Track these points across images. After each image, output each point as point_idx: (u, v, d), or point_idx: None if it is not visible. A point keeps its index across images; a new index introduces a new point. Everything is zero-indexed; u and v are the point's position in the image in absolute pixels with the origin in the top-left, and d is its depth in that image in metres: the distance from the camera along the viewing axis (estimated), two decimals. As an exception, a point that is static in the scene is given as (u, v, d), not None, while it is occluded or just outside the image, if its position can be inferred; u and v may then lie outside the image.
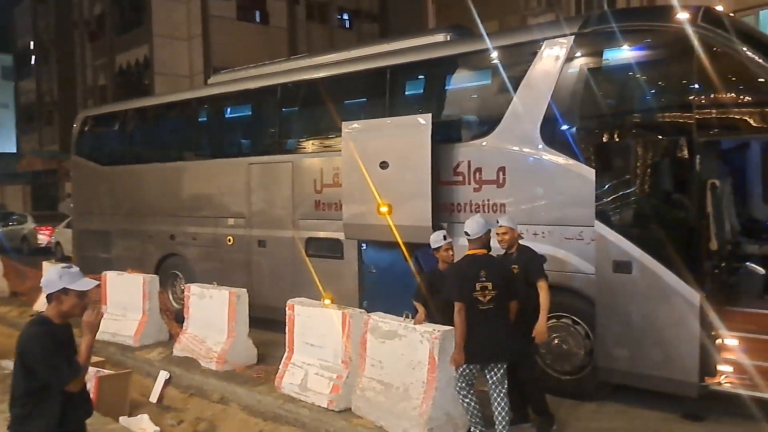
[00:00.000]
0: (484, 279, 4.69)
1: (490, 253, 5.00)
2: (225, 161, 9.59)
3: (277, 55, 23.67)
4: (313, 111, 8.94)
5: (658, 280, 5.35)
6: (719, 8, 5.95)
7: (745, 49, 5.20)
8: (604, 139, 5.95)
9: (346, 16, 32.59)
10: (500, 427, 4.69)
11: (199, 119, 10.60)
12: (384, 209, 7.01)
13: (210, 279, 8.10)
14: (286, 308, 6.41)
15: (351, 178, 7.38)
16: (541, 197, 6.23)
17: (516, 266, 5.16)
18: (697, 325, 5.17)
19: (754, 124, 5.25)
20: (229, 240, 9.22)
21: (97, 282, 9.71)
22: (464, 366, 4.78)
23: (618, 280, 5.54)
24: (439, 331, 5.05)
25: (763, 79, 5.12)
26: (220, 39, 26.59)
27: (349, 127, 7.44)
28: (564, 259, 5.96)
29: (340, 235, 7.71)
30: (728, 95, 5.28)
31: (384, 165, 7.02)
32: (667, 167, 5.62)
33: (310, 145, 8.62)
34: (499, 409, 4.70)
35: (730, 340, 5.37)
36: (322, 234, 8.15)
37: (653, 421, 5.46)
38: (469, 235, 4.87)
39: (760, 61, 5.12)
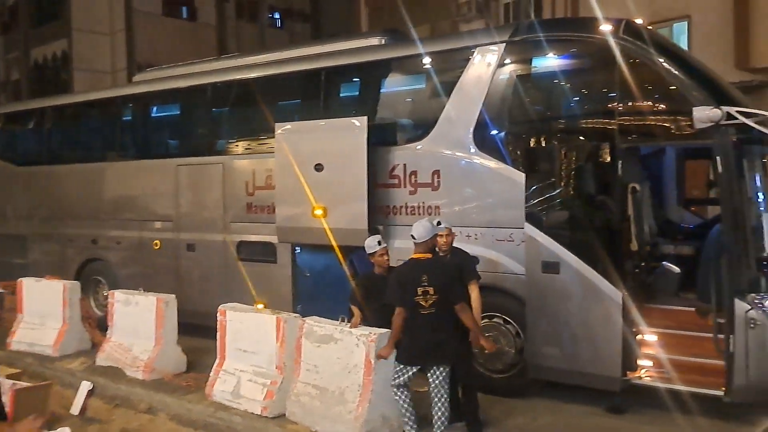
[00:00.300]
0: (425, 284, 4.70)
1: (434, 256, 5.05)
2: (151, 162, 9.26)
3: (205, 52, 23.07)
4: (245, 112, 8.77)
5: (582, 279, 5.58)
6: (639, 21, 6.26)
7: (662, 60, 5.50)
8: (533, 144, 6.15)
9: (277, 15, 32.15)
10: (436, 430, 4.74)
11: (124, 118, 10.18)
12: (319, 212, 6.97)
13: (135, 284, 7.79)
14: (218, 314, 6.26)
15: (285, 180, 7.29)
16: (473, 200, 6.36)
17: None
18: (620, 322, 5.42)
19: (669, 132, 5.56)
20: (156, 244, 8.91)
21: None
22: (402, 367, 4.82)
23: (546, 280, 5.74)
24: (375, 334, 5.06)
25: (677, 89, 5.42)
26: (144, 35, 25.63)
27: (282, 129, 7.34)
28: (495, 260, 6.11)
29: (273, 239, 7.60)
30: (646, 104, 5.58)
31: (319, 167, 6.98)
32: (590, 171, 5.87)
33: (241, 146, 8.45)
34: (439, 412, 4.75)
35: (649, 336, 5.67)
36: (254, 237, 8.01)
37: (579, 416, 5.67)
38: (414, 238, 4.89)
39: (675, 72, 5.44)
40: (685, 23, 14.59)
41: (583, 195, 5.92)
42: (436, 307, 4.72)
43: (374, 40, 7.57)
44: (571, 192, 5.87)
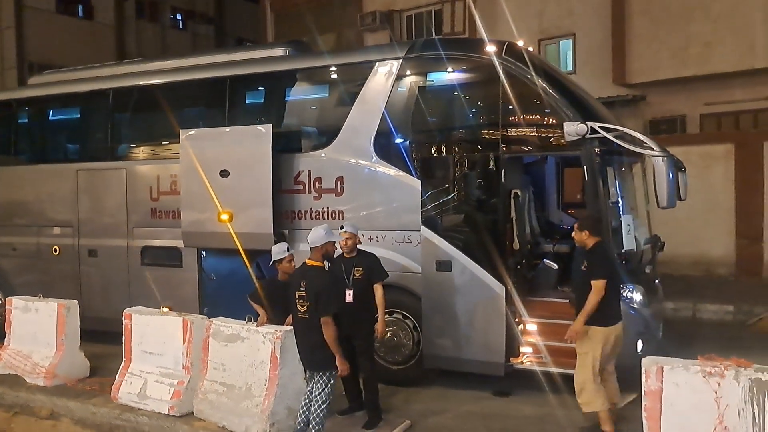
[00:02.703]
0: (303, 289, 4.87)
1: (329, 261, 5.29)
2: (49, 167, 9.04)
3: (103, 53, 22.25)
4: (148, 117, 8.77)
5: (471, 276, 6.17)
6: (520, 43, 6.93)
7: (538, 79, 6.16)
8: (427, 153, 6.65)
9: (179, 17, 31.37)
10: None
11: (20, 121, 9.84)
12: (225, 217, 7.14)
13: (32, 292, 7.58)
14: (123, 318, 6.30)
15: (190, 185, 7.40)
16: (375, 205, 6.78)
17: (360, 269, 5.58)
18: (503, 313, 6.02)
19: (547, 143, 6.25)
20: (55, 250, 8.71)
21: None
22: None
23: (440, 278, 6.26)
24: (280, 331, 5.34)
25: (551, 105, 6.09)
26: (36, 32, 24.30)
27: (187, 135, 7.46)
28: (395, 260, 6.55)
29: (179, 244, 7.69)
30: (526, 118, 6.22)
31: (224, 173, 7.16)
32: (478, 178, 6.46)
33: (145, 151, 8.45)
34: (313, 422, 4.87)
35: (531, 325, 6.32)
36: (159, 242, 8.04)
37: (470, 400, 6.22)
38: (309, 243, 5.08)
39: (550, 90, 6.12)
40: (570, 41, 15.82)
41: (472, 200, 6.52)
42: (309, 314, 4.83)
43: (279, 51, 7.84)
44: (461, 197, 6.45)
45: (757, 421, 3.79)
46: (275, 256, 5.72)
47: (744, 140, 12.53)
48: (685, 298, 10.17)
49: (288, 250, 5.76)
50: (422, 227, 6.33)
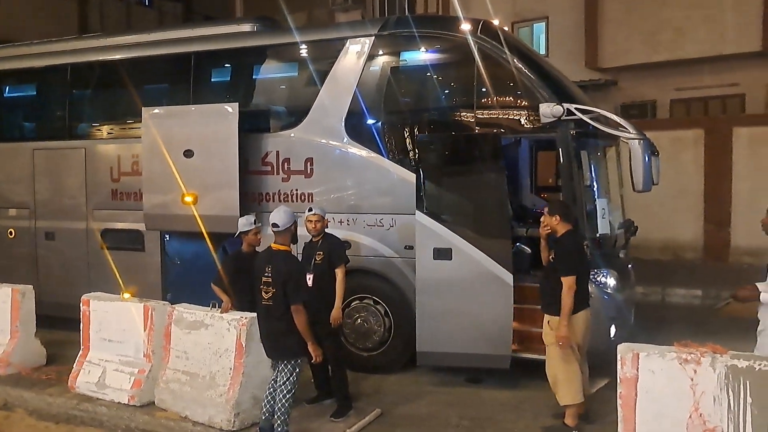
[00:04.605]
0: (268, 275, 4.64)
1: (295, 243, 5.06)
2: (4, 146, 8.61)
3: (65, 30, 21.46)
4: (109, 94, 8.41)
5: (476, 264, 5.73)
6: (496, 22, 6.76)
7: (513, 59, 6.01)
8: (402, 134, 6.46)
9: (145, -7, 30.41)
10: (276, 425, 4.71)
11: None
12: (189, 199, 6.87)
13: (-15, 276, 7.26)
14: (81, 304, 6.03)
15: (152, 166, 7.11)
16: (346, 187, 6.58)
17: (321, 253, 5.41)
18: (511, 303, 5.67)
19: (521, 125, 6.09)
20: (11, 233, 8.33)
21: None
22: None
23: (438, 267, 5.82)
24: (246, 318, 5.14)
25: (527, 86, 5.95)
26: (-5, 7, 23.33)
27: (150, 113, 7.14)
28: (366, 244, 6.39)
29: (141, 226, 7.40)
30: (500, 98, 6.06)
31: (189, 153, 6.88)
32: (453, 160, 6.28)
33: (105, 130, 8.10)
34: (278, 412, 4.68)
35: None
36: (120, 225, 7.75)
37: (441, 386, 6.12)
38: (276, 226, 4.80)
39: (525, 70, 5.97)
40: (544, 24, 15.74)
41: (447, 183, 6.31)
42: (273, 301, 4.62)
43: (246, 27, 7.54)
44: (440, 180, 6.19)
45: (732, 407, 3.74)
46: (242, 228, 5.55)
47: (713, 126, 12.63)
48: (655, 282, 10.24)
49: (255, 223, 5.57)
50: (417, 212, 5.93)
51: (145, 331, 5.69)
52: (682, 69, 14.22)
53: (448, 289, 5.83)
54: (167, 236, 7.52)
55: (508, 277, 5.69)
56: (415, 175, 6.10)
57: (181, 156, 6.89)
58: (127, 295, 6.07)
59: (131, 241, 7.61)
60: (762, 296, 4.20)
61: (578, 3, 15.13)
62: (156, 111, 7.19)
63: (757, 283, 4.27)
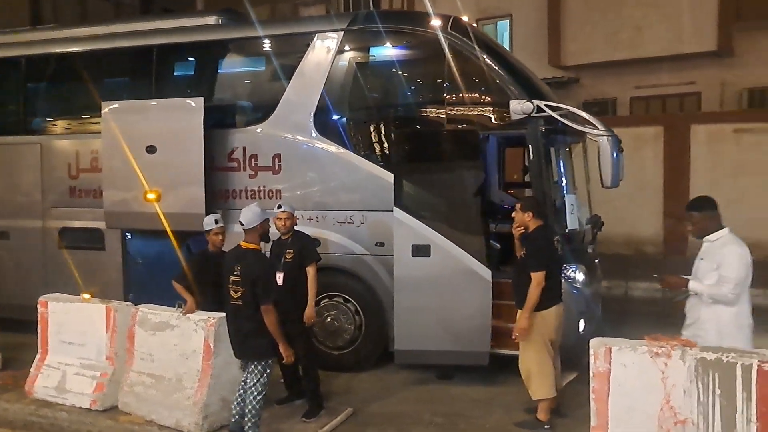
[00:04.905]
0: (237, 274, 4.53)
1: (266, 242, 4.97)
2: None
3: (16, 21, 20.68)
4: (67, 88, 8.11)
5: (455, 261, 5.72)
6: (465, 18, 6.75)
7: (483, 56, 6.00)
8: (372, 130, 6.40)
9: (101, -15, 29.54)
10: (247, 428, 4.62)
11: None
12: (152, 196, 6.67)
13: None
14: (38, 305, 5.79)
15: (113, 162, 6.87)
16: (314, 184, 6.48)
17: (291, 251, 5.31)
18: (490, 298, 5.67)
19: (492, 122, 6.09)
20: (-40, 232, 7.96)
21: None
22: None
23: (417, 264, 5.80)
24: (214, 318, 5.01)
25: (496, 83, 5.95)
26: (-60, -3, 22.33)
27: (110, 108, 6.90)
28: (336, 241, 6.30)
29: (101, 225, 7.17)
30: (470, 95, 6.06)
31: (151, 149, 6.67)
32: (431, 157, 6.25)
33: (63, 125, 7.81)
34: (249, 415, 4.58)
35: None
36: (79, 223, 7.49)
37: (412, 384, 6.09)
38: (243, 225, 4.69)
39: (495, 67, 5.97)
40: (508, 22, 15.87)
41: (422, 180, 6.24)
42: (242, 300, 4.52)
43: (210, 20, 7.34)
44: (412, 177, 6.13)
45: (701, 399, 3.80)
46: (205, 226, 5.47)
47: (673, 123, 12.92)
48: (618, 276, 10.43)
49: (217, 222, 5.46)
50: (395, 209, 5.88)
51: (107, 332, 5.50)
52: (641, 67, 14.53)
53: (426, 287, 5.79)
54: (129, 235, 7.30)
55: (487, 273, 5.69)
56: (388, 171, 6.05)
57: (143, 152, 6.68)
58: (86, 296, 5.87)
59: (91, 240, 7.36)
60: (690, 284, 4.27)
61: (542, 1, 15.30)
62: (116, 106, 6.95)
63: (683, 276, 4.36)
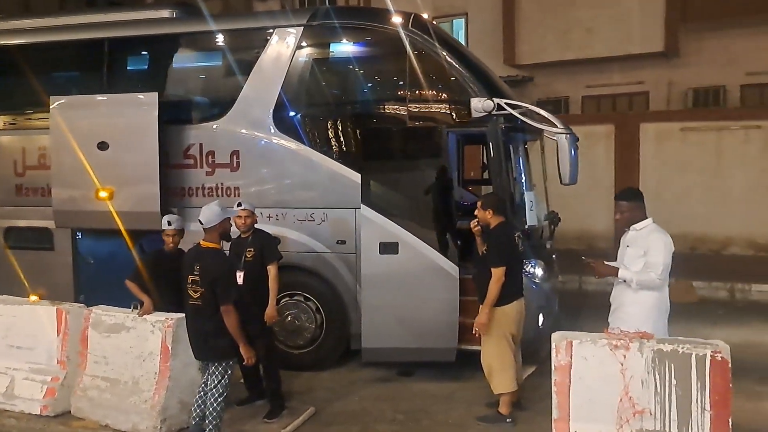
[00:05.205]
0: (196, 274, 4.42)
1: (227, 241, 4.89)
2: None
3: (-47, 10, 19.72)
4: (11, 82, 7.74)
5: (423, 258, 5.72)
6: (425, 16, 6.76)
7: (444, 53, 6.02)
8: (332, 127, 6.34)
9: (45, -24, 28.46)
10: (208, 430, 4.51)
11: None
12: (104, 194, 6.45)
13: None
14: (-17, 309, 5.54)
15: (62, 159, 6.62)
16: (274, 181, 6.40)
17: (251, 249, 5.22)
18: (457, 295, 5.69)
19: (452, 119, 6.11)
20: None
21: None
22: None
23: (385, 262, 5.77)
24: (172, 319, 4.89)
25: (457, 81, 5.98)
26: None
27: (58, 103, 6.64)
28: (296, 239, 6.23)
29: (50, 224, 6.90)
30: (430, 92, 6.07)
31: (103, 146, 6.45)
32: (398, 154, 6.28)
33: (8, 121, 7.47)
34: (210, 417, 4.48)
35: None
36: (25, 223, 7.21)
37: (373, 381, 6.08)
38: (202, 224, 4.56)
39: (456, 65, 6.00)
40: (463, 20, 16.01)
41: (389, 178, 6.22)
42: (202, 301, 4.42)
43: (164, 13, 7.14)
44: (375, 173, 6.08)
45: (658, 389, 3.93)
46: (162, 226, 5.35)
47: (623, 121, 13.29)
48: (572, 271, 10.65)
49: (170, 224, 5.31)
50: (362, 206, 5.82)
51: (58, 336, 5.31)
52: (592, 67, 14.89)
53: (394, 284, 5.77)
54: (79, 234, 7.05)
55: (454, 270, 5.71)
56: (351, 169, 6.02)
57: (94, 148, 6.46)
58: (35, 298, 5.64)
59: (39, 239, 7.09)
60: (620, 272, 4.41)
61: (497, 1, 15.49)
62: (65, 100, 6.69)
63: (608, 263, 4.53)
